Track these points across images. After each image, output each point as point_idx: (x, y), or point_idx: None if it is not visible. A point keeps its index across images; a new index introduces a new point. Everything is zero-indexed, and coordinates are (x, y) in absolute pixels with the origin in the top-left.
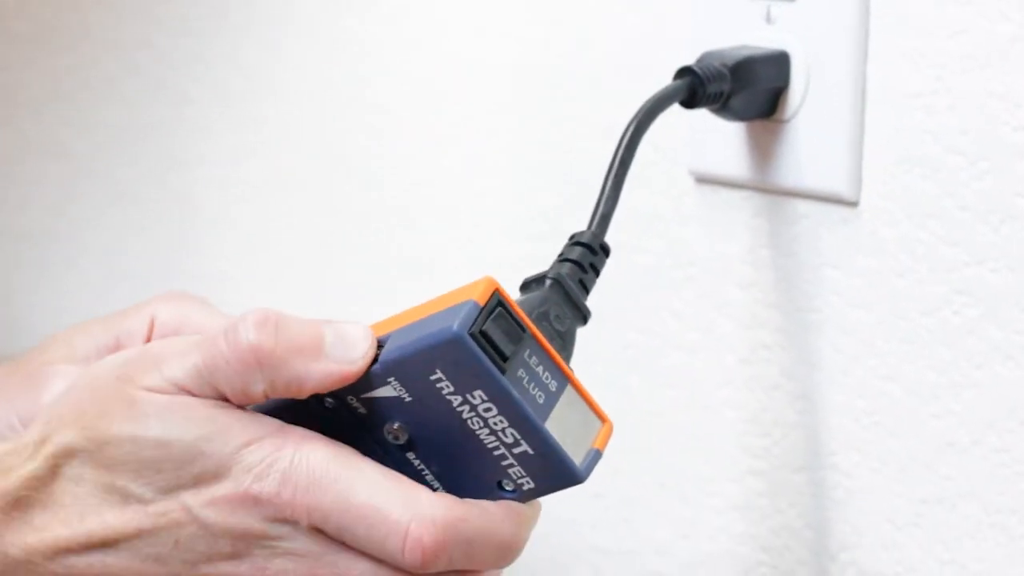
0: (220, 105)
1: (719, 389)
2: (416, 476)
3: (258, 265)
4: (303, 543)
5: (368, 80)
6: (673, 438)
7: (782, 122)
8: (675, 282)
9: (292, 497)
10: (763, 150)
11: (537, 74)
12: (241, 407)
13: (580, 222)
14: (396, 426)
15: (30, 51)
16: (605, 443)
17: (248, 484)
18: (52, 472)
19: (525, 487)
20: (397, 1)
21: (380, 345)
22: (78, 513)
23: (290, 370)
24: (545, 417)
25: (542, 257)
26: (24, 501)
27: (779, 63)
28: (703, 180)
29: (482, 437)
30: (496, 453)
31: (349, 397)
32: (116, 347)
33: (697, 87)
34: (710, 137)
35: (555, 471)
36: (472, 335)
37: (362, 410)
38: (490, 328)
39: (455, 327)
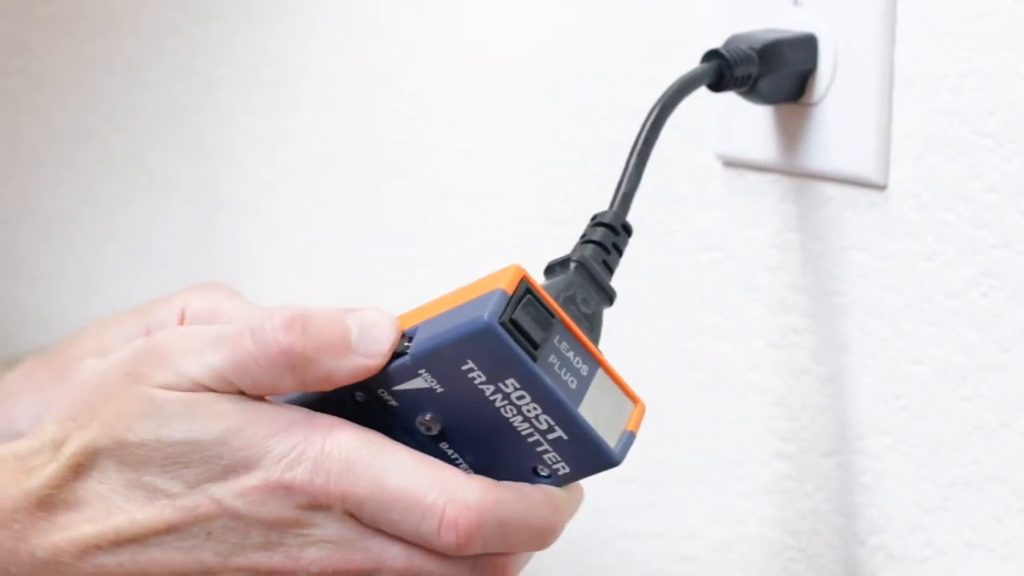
0: (247, 91)
1: (747, 373)
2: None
3: (285, 251)
4: (336, 529)
5: (395, 66)
6: (701, 423)
7: (810, 105)
8: (701, 266)
9: (325, 484)
10: (790, 133)
11: (564, 58)
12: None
13: (605, 205)
14: (428, 417)
15: (55, 36)
16: (638, 424)
17: (280, 473)
18: (75, 472)
19: (560, 472)
20: None
21: (409, 337)
22: (105, 511)
23: (319, 368)
24: (578, 402)
25: (568, 239)
26: (49, 501)
27: (807, 46)
28: (730, 164)
29: (516, 424)
30: (530, 440)
31: (380, 390)
32: None
33: (724, 70)
34: (737, 120)
35: (590, 455)
36: (502, 324)
37: (393, 402)
38: (520, 316)
39: (485, 317)
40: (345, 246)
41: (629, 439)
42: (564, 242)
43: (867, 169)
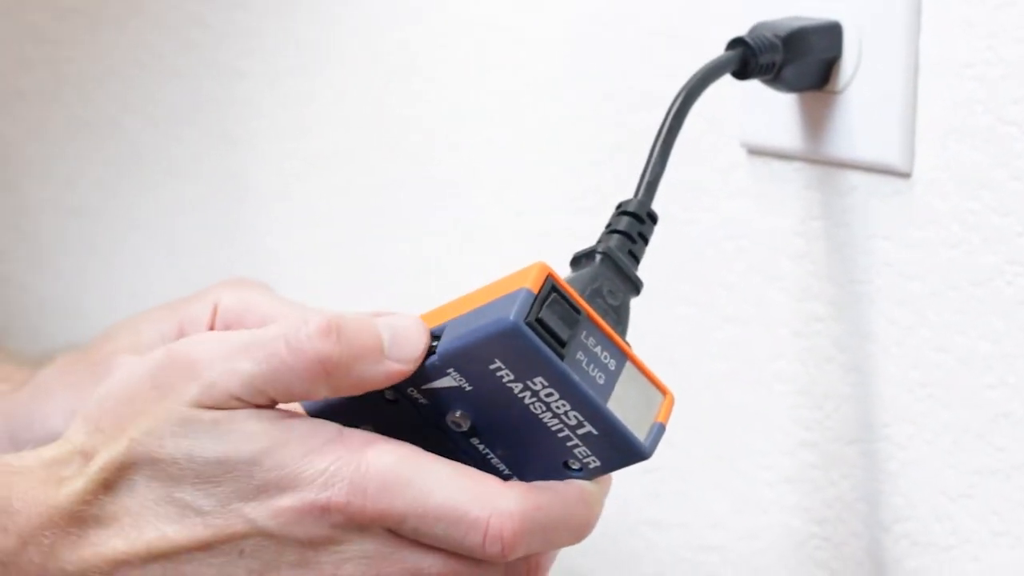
0: (271, 82)
1: (771, 362)
2: (482, 461)
3: (308, 242)
4: (372, 545)
5: (421, 55)
6: (725, 411)
7: (834, 93)
8: (726, 254)
9: (363, 504)
10: (815, 121)
11: (587, 46)
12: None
13: (630, 195)
14: (458, 414)
15: (80, 28)
16: (668, 416)
17: (315, 494)
18: (105, 487)
19: (591, 465)
20: None
21: (436, 336)
22: (135, 526)
23: (354, 375)
24: (607, 397)
25: (592, 229)
26: (80, 517)
27: (831, 33)
28: (755, 152)
29: (545, 421)
30: (560, 435)
31: (409, 389)
32: (180, 334)
33: (749, 58)
34: (762, 108)
35: (620, 449)
36: (529, 324)
37: (423, 400)
38: (546, 315)
39: (511, 317)
40: (368, 237)
41: (659, 431)
42: (589, 231)
43: (892, 157)
